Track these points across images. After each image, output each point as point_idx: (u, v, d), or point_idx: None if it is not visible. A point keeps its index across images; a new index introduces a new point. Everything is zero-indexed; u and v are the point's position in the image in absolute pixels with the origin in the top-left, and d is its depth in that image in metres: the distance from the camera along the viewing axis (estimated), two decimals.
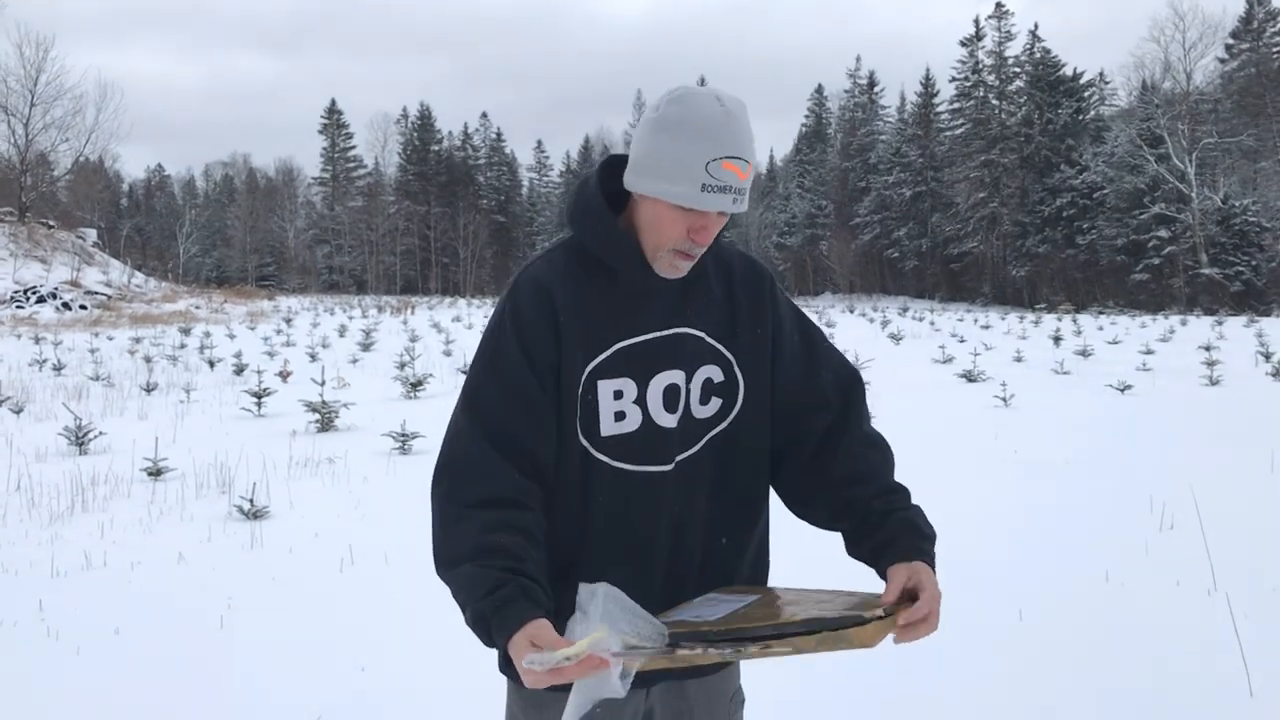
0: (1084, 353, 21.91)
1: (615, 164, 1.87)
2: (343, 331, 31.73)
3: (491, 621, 1.57)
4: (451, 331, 30.88)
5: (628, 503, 1.82)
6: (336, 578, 5.73)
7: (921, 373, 18.52)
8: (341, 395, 13.57)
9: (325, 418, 11.46)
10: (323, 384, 12.39)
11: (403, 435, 9.86)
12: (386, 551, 6.11)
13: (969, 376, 16.53)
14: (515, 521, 1.68)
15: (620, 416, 1.81)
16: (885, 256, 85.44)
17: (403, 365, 17.16)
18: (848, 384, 1.98)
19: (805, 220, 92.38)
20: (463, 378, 16.41)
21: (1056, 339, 27.11)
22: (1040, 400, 13.89)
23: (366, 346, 24.59)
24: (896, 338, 28.25)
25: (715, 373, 1.89)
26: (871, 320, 42.64)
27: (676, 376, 1.85)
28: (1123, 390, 14.65)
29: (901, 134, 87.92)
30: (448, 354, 22.27)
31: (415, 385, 14.67)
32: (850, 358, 16.48)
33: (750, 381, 1.91)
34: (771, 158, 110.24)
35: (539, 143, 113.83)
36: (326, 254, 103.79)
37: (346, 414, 12.03)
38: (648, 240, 1.80)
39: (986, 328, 36.72)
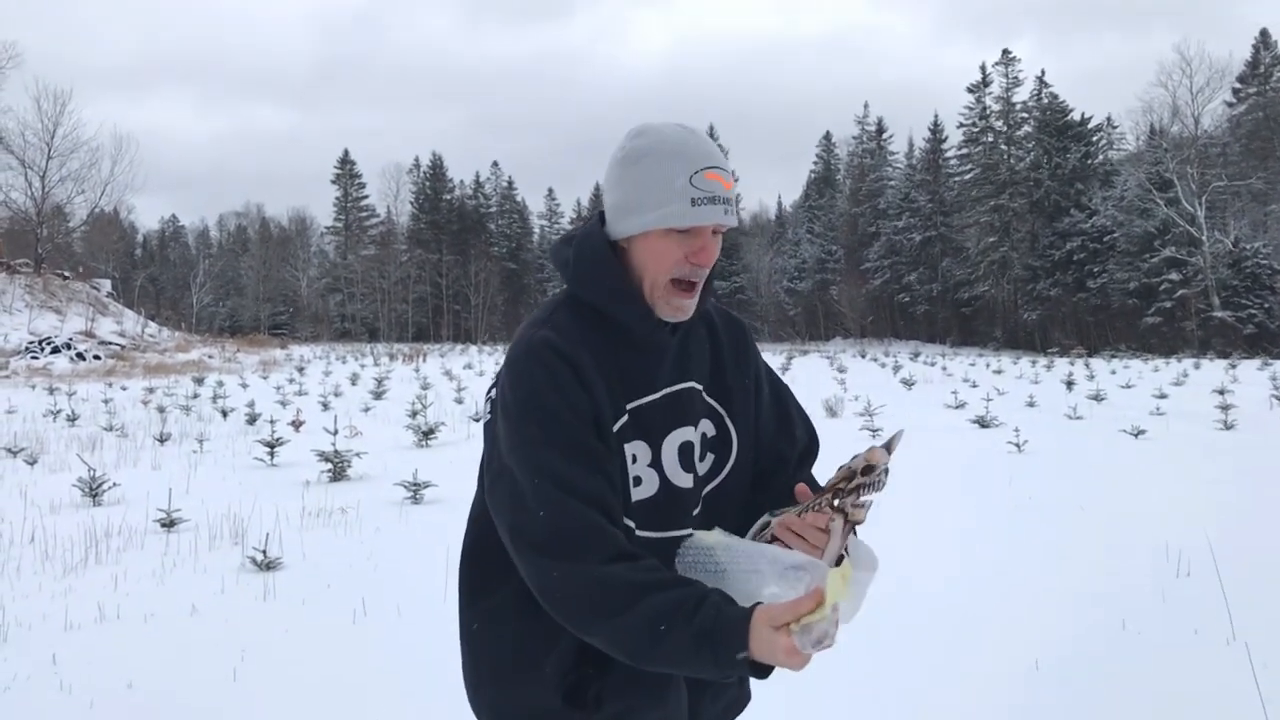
0: (1097, 397, 21.84)
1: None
2: (355, 380, 31.81)
3: (719, 631, 1.44)
4: (463, 379, 30.92)
5: None
6: (349, 630, 5.71)
7: (935, 418, 18.46)
8: (354, 444, 13.59)
9: (337, 467, 11.47)
10: (335, 433, 12.42)
11: (415, 485, 9.86)
12: (399, 603, 6.10)
13: (982, 422, 16.48)
14: (657, 566, 1.59)
15: (637, 482, 1.74)
16: (896, 301, 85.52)
17: (415, 414, 17.19)
18: (812, 443, 1.99)
19: (815, 265, 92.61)
20: (476, 426, 16.45)
21: (1069, 383, 27.04)
22: (1054, 445, 13.84)
23: (378, 395, 24.63)
24: (909, 383, 28.19)
25: (709, 427, 1.86)
26: (883, 365, 42.57)
27: (689, 434, 1.80)
28: (1136, 435, 14.58)
29: (910, 179, 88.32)
30: (459, 402, 22.29)
31: (427, 434, 14.68)
32: (862, 404, 16.43)
33: (742, 437, 1.88)
34: (780, 203, 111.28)
35: (550, 190, 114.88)
36: (339, 302, 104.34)
37: (359, 463, 12.04)
38: (648, 283, 1.75)
39: (999, 372, 36.62)
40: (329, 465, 11.51)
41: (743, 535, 1.80)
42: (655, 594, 1.51)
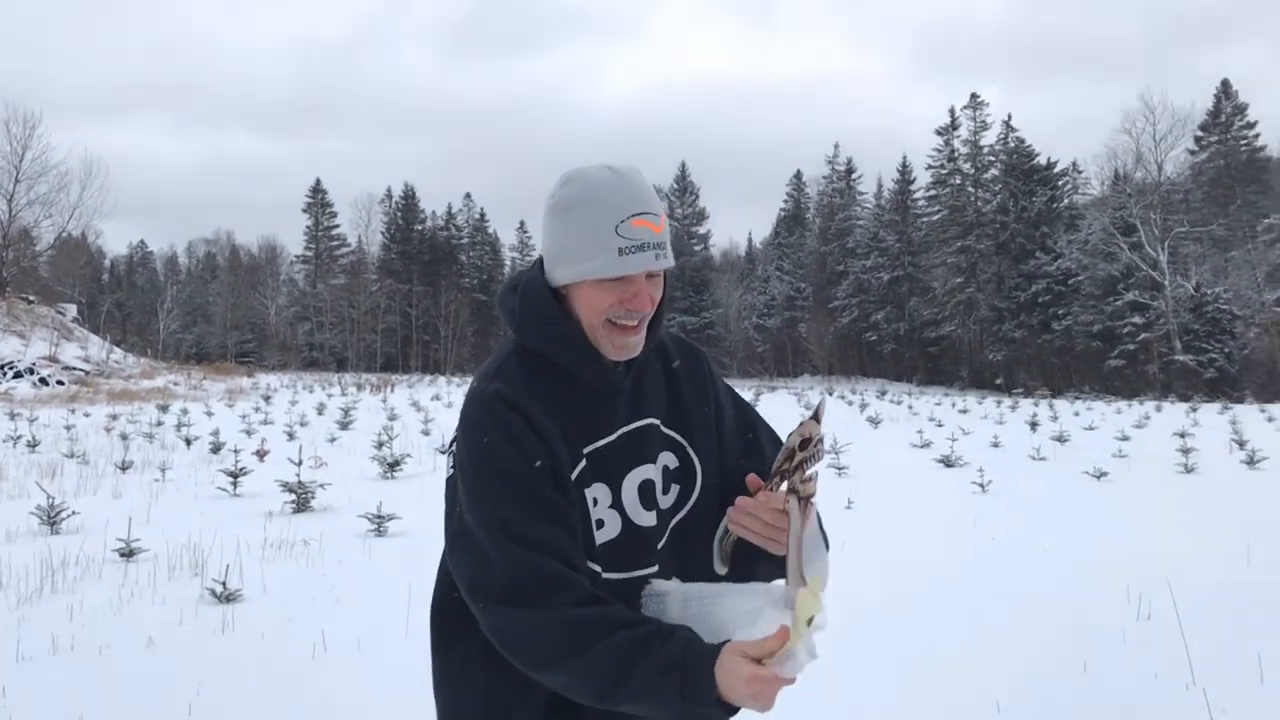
0: (1060, 438, 22.01)
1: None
2: (321, 409, 31.58)
3: (688, 666, 1.44)
4: (431, 410, 30.76)
5: None
6: (308, 664, 5.63)
7: (900, 457, 18.55)
8: (318, 475, 13.47)
9: (301, 498, 11.36)
10: (300, 464, 12.29)
11: (379, 517, 9.77)
12: (360, 637, 6.03)
13: (947, 461, 16.56)
14: (624, 608, 1.59)
15: (599, 525, 1.74)
16: (863, 339, 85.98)
17: (381, 445, 17.07)
18: None
19: (784, 303, 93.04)
20: (442, 458, 16.35)
21: (1033, 424, 27.24)
22: (1018, 486, 13.91)
23: (345, 425, 24.45)
24: (875, 421, 28.32)
25: (671, 459, 1.85)
26: (850, 403, 42.76)
27: (649, 471, 1.80)
28: (1099, 477, 14.69)
29: (879, 219, 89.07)
30: (426, 433, 22.17)
31: (393, 465, 14.58)
32: (829, 442, 16.45)
33: (705, 465, 1.87)
34: (751, 240, 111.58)
35: (522, 223, 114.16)
36: (307, 331, 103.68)
37: (323, 494, 11.93)
38: (587, 328, 1.74)
39: (964, 412, 36.86)
40: (293, 496, 11.40)
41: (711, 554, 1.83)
42: (622, 630, 1.52)
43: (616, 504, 1.77)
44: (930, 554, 8.89)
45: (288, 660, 5.69)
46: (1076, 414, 35.98)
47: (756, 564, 1.79)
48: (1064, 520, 10.93)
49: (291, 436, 21.20)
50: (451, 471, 1.76)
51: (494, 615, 1.61)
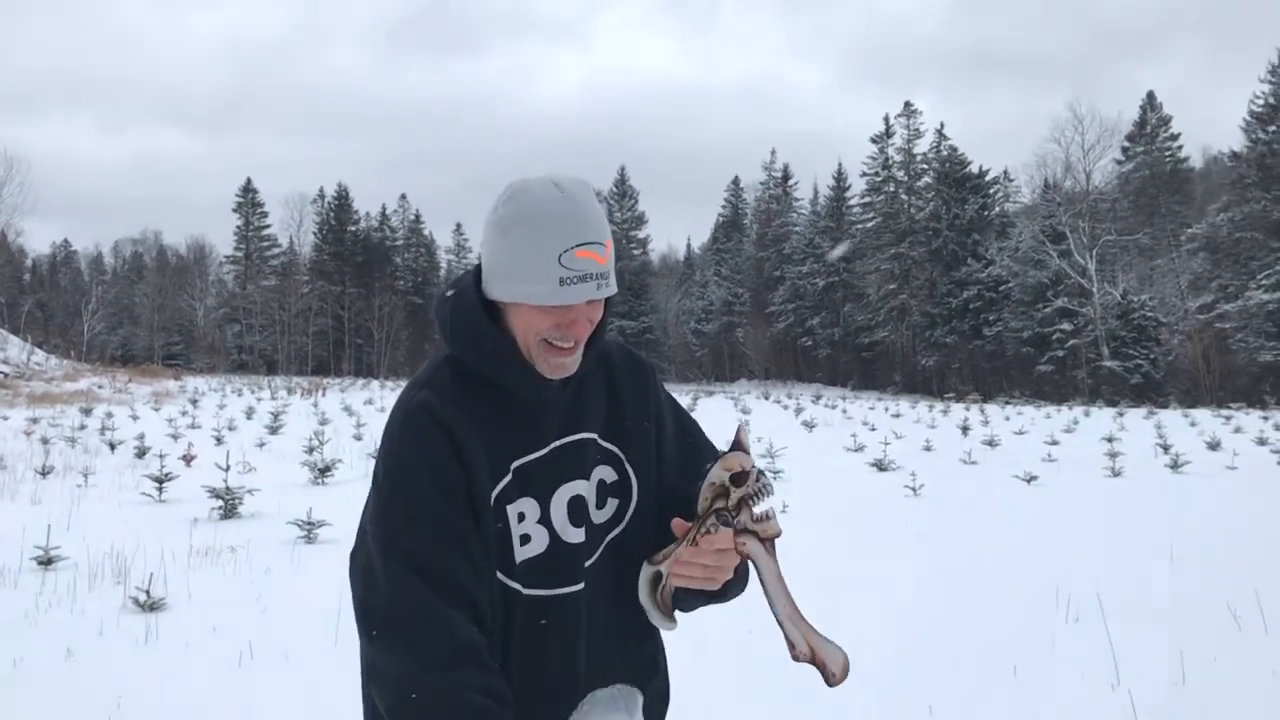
0: (991, 443, 22.36)
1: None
2: (250, 414, 31.07)
3: None
4: (363, 415, 30.41)
5: (545, 632, 1.72)
6: (233, 675, 5.52)
7: (834, 461, 18.71)
8: (247, 481, 13.24)
9: (229, 504, 11.16)
10: (227, 469, 12.08)
11: (309, 523, 9.63)
12: (287, 648, 5.92)
13: (880, 465, 16.74)
14: (487, 685, 1.57)
15: (525, 540, 1.71)
16: (799, 344, 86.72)
17: (311, 450, 16.83)
18: None
19: (722, 308, 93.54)
20: (373, 462, 16.06)
21: (965, 429, 27.65)
22: (949, 490, 14.10)
23: (274, 429, 24.09)
24: (810, 425, 28.55)
25: (609, 473, 1.82)
26: (786, 407, 43.09)
27: (580, 487, 1.77)
28: (1029, 481, 14.95)
29: (815, 225, 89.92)
30: (358, 438, 21.92)
31: (324, 471, 14.39)
32: (764, 446, 16.54)
33: (642, 480, 1.84)
34: (689, 246, 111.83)
35: (458, 225, 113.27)
36: (237, 333, 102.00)
37: (251, 500, 11.72)
38: (523, 348, 1.69)
39: (897, 416, 37.31)
40: (220, 502, 11.19)
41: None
42: None
43: (545, 519, 1.73)
44: (861, 557, 8.97)
45: (212, 672, 5.57)
46: (1007, 418, 36.60)
47: (684, 599, 1.78)
48: (994, 523, 11.10)
49: (219, 441, 20.83)
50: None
51: (365, 642, 1.63)
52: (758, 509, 1.61)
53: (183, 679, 5.43)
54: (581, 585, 1.75)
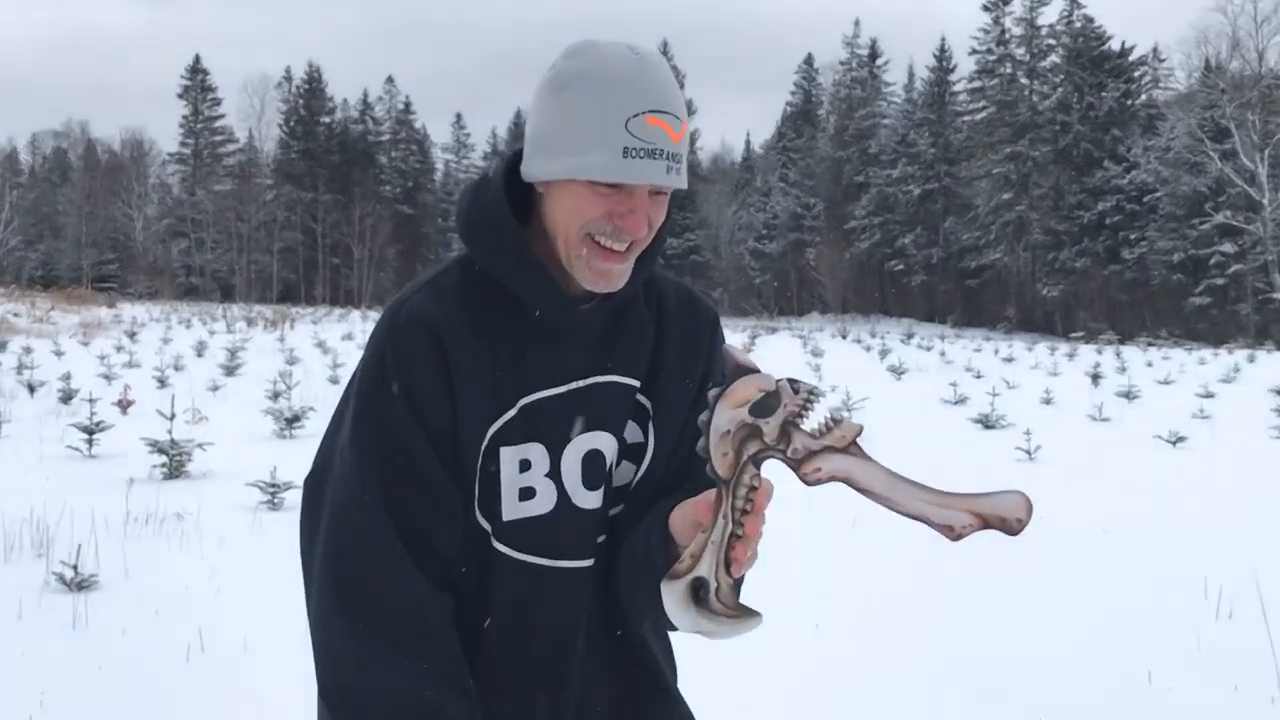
0: (1128, 395, 22.19)
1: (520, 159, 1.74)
2: (201, 350, 31.39)
3: None
4: (340, 352, 30.62)
5: (533, 609, 1.72)
6: (181, 668, 5.63)
7: (928, 417, 18.64)
8: (197, 432, 13.41)
9: (175, 461, 11.32)
10: (173, 417, 12.22)
11: (273, 486, 9.75)
12: (246, 635, 6.02)
13: (986, 422, 16.69)
14: (446, 670, 1.61)
15: (528, 494, 1.71)
16: (887, 269, 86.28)
17: (277, 395, 17.01)
18: None
19: (790, 222, 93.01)
20: None
21: (1095, 377, 27.44)
22: (1074, 454, 14.04)
23: (231, 370, 24.34)
24: (898, 371, 28.45)
25: (635, 431, 1.81)
26: (868, 349, 42.93)
27: (601, 440, 1.76)
28: (1175, 443, 14.85)
29: (909, 118, 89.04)
30: (334, 381, 22.10)
31: (291, 421, 14.54)
32: (840, 396, 16.52)
33: (658, 445, 1.82)
34: (749, 143, 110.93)
35: (458, 117, 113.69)
36: (184, 250, 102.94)
37: (202, 456, 11.87)
38: (560, 241, 1.67)
39: (1010, 360, 37.10)
40: (163, 458, 11.35)
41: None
42: None
43: (554, 473, 1.73)
44: (963, 540, 8.95)
45: (155, 663, 5.69)
46: (1150, 364, 36.30)
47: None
48: (1129, 496, 11.06)
49: (163, 384, 21.08)
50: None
51: (317, 605, 1.66)
52: (810, 424, 1.46)
53: (119, 672, 5.54)
54: (591, 562, 1.76)
